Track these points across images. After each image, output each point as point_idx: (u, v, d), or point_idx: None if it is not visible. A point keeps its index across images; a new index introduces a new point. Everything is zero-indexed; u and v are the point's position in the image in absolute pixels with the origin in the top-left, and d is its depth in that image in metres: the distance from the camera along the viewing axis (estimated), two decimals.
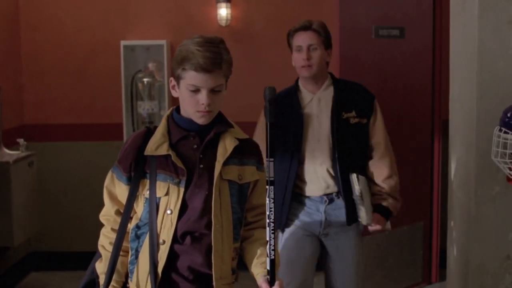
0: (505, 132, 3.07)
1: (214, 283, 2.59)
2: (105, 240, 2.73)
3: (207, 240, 2.58)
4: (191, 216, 2.58)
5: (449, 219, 3.85)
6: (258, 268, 2.63)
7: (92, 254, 2.81)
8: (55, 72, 6.25)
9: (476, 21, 3.32)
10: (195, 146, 2.62)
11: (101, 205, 2.77)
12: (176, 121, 2.66)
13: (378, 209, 3.66)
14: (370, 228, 3.67)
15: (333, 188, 3.64)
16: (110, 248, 2.68)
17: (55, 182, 6.27)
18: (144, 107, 6.04)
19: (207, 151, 2.63)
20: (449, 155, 3.82)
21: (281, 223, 3.68)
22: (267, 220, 2.51)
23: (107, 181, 2.73)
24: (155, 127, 2.69)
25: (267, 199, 2.51)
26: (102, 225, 2.77)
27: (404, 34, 5.49)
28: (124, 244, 2.67)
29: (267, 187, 2.51)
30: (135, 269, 2.64)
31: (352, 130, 3.65)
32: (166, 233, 2.57)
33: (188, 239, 2.58)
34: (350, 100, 3.68)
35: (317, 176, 3.64)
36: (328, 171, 3.63)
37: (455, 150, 3.71)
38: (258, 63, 6.22)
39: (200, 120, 2.59)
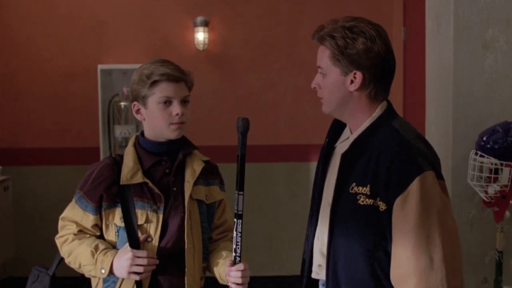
0: (481, 156, 3.09)
1: None
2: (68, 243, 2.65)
3: (181, 261, 2.58)
4: (169, 240, 2.58)
5: None
6: (223, 266, 2.58)
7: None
8: (31, 96, 6.21)
9: (452, 45, 3.35)
10: (167, 170, 2.63)
11: None
12: (144, 146, 2.65)
13: None
14: None
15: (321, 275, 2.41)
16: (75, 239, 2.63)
17: (31, 206, 6.20)
18: (121, 131, 6.02)
19: (177, 173, 2.64)
20: None
21: None
22: (233, 254, 2.44)
23: (67, 213, 2.66)
24: (120, 156, 2.68)
25: (234, 232, 2.43)
26: None
27: None
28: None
29: (235, 220, 2.43)
30: None
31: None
32: None
33: (166, 262, 2.57)
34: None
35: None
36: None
37: None
38: (236, 87, 6.23)
39: (174, 133, 2.59)
